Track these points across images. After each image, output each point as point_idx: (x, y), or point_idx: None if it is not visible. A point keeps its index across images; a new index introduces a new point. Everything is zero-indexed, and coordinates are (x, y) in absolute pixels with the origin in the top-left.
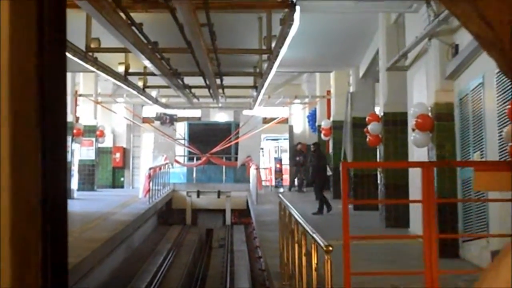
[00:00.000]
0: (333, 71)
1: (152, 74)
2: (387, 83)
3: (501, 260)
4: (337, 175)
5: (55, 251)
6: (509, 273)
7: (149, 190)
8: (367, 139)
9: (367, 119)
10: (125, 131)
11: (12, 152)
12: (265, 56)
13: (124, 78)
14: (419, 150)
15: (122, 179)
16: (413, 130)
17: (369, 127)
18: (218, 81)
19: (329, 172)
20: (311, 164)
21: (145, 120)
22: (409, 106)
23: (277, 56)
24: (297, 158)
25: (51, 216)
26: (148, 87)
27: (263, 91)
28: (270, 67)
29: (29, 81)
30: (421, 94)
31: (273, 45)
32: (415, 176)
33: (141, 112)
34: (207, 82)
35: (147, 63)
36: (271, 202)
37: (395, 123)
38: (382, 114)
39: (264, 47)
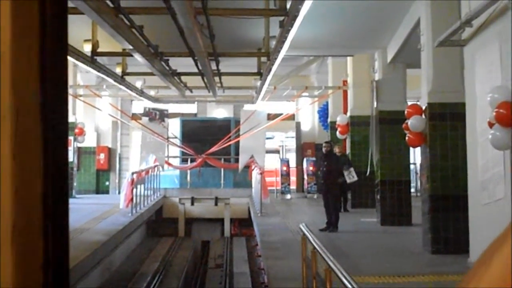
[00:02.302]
0: (354, 54)
1: (128, 54)
2: (432, 64)
3: (494, 251)
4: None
5: (56, 250)
6: (502, 266)
7: (132, 199)
8: (406, 138)
9: (406, 112)
10: (110, 128)
11: (14, 150)
12: (273, 31)
13: (91, 59)
14: (488, 154)
15: (107, 183)
16: (491, 125)
17: (409, 122)
18: (213, 66)
19: (354, 178)
20: (324, 168)
21: (135, 117)
22: (468, 93)
23: (294, 18)
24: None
25: (52, 214)
26: (128, 74)
27: (269, 78)
28: (282, 39)
29: (31, 79)
30: (490, 75)
31: (288, 5)
32: (476, 184)
33: (131, 108)
34: (200, 67)
35: (113, 34)
36: (278, 213)
37: (443, 117)
38: (425, 105)
39: (275, 7)
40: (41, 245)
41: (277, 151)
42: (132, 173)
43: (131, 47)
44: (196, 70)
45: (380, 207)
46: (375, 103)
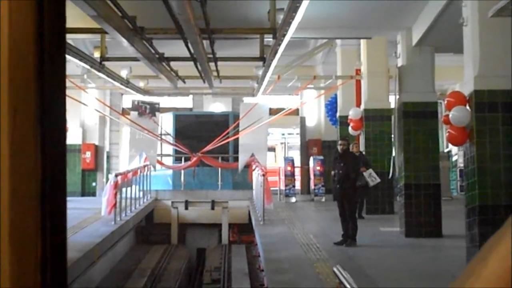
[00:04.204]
0: (372, 37)
1: (101, 31)
2: (479, 42)
3: (491, 249)
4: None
5: (54, 249)
6: (499, 264)
7: (115, 205)
8: (446, 134)
9: (445, 102)
10: (98, 124)
11: (12, 149)
12: (280, 3)
13: None
14: None
15: (93, 184)
16: None
17: (450, 114)
18: (208, 48)
19: (376, 180)
20: (340, 170)
21: (125, 112)
22: None
23: None
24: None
25: (50, 213)
26: (108, 59)
27: (274, 63)
28: (296, 4)
29: (29, 79)
30: None
31: None
32: None
33: (121, 102)
34: (191, 49)
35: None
36: (283, 221)
37: (493, 107)
38: (470, 93)
39: None
40: (39, 244)
41: (273, 149)
42: (116, 175)
43: (94, 13)
44: (188, 55)
45: (404, 215)
46: (397, 94)
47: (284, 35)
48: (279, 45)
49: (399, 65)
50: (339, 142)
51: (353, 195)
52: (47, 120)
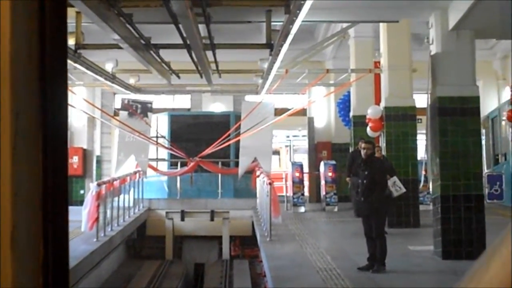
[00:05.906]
0: (399, 20)
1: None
2: None
3: (493, 252)
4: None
5: (56, 251)
6: (501, 268)
7: (97, 219)
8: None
9: (510, 93)
10: (86, 126)
11: (14, 153)
12: None
13: None
14: None
15: (81, 192)
16: None
17: None
18: (204, 32)
19: (401, 190)
20: (365, 178)
21: (118, 113)
22: None
23: None
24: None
25: (52, 216)
26: (85, 47)
27: (284, 50)
28: None
29: (31, 82)
30: None
31: None
32: None
33: (113, 102)
34: (184, 34)
35: None
36: (293, 236)
37: None
38: None
39: None
40: (41, 246)
41: (277, 152)
42: (98, 184)
43: None
44: (180, 41)
45: (440, 232)
46: (430, 88)
47: (300, 7)
48: (293, 23)
49: (432, 53)
50: (363, 145)
51: (381, 210)
52: (49, 123)
